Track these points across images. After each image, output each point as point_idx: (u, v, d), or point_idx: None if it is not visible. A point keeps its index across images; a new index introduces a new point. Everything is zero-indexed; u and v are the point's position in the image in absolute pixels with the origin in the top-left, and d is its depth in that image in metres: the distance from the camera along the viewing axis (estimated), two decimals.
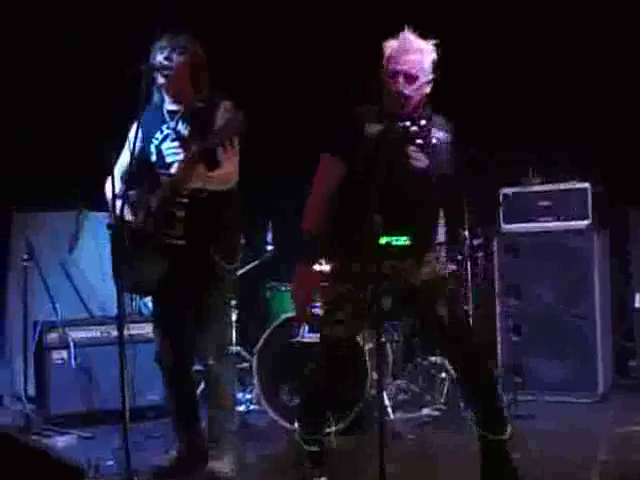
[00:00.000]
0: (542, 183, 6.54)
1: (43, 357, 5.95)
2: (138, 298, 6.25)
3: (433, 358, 6.04)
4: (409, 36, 4.07)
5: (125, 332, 3.91)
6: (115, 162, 4.45)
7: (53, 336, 5.96)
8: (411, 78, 4.02)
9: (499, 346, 6.56)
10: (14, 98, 6.57)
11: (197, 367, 4.75)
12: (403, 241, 4.04)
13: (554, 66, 6.51)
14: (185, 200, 4.29)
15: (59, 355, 5.92)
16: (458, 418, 5.57)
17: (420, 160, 3.90)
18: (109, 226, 4.13)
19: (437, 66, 4.05)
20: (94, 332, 6.05)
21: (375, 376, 5.22)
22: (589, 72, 6.44)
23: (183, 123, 4.48)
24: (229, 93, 4.51)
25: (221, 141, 4.16)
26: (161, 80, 4.45)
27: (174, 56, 4.40)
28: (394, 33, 4.09)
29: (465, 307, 4.06)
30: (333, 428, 4.41)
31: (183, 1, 6.69)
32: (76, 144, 6.68)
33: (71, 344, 5.92)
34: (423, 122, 3.93)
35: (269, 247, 6.39)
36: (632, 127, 6.41)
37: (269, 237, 6.39)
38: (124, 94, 4.24)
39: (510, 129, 6.61)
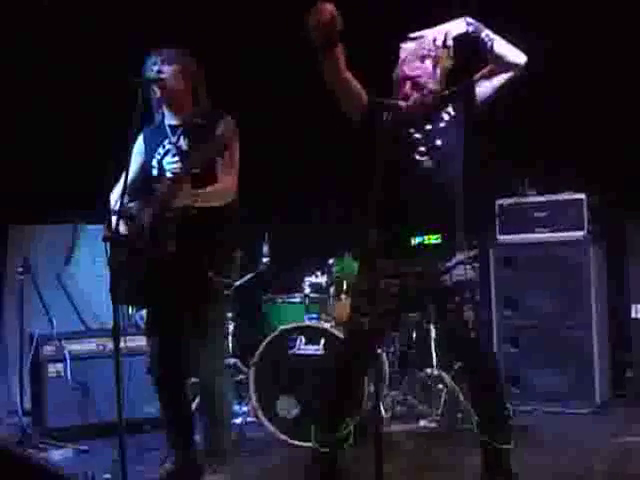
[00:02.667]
0: (538, 194, 6.54)
1: (39, 370, 5.93)
2: (134, 311, 6.25)
3: (430, 369, 6.03)
4: (424, 41, 4.09)
5: (121, 345, 3.89)
6: (119, 177, 4.45)
7: (49, 349, 5.94)
8: (419, 85, 4.07)
9: (496, 357, 6.55)
10: (9, 111, 6.57)
11: (193, 380, 4.74)
12: (435, 239, 4.08)
13: (551, 78, 6.51)
14: (174, 216, 4.26)
15: (55, 368, 5.90)
16: (455, 430, 5.57)
17: (424, 160, 4.05)
18: (105, 239, 4.13)
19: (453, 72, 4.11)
20: (90, 345, 6.04)
21: (372, 388, 5.21)
22: (586, 84, 6.45)
23: (185, 139, 4.52)
24: (227, 104, 4.53)
25: (216, 152, 4.14)
26: (158, 93, 4.48)
27: (165, 67, 4.44)
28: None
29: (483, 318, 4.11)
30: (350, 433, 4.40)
31: (181, 16, 6.72)
32: (72, 157, 6.69)
33: (67, 357, 5.90)
34: (428, 127, 3.99)
35: (265, 259, 6.38)
36: (629, 138, 6.41)
37: (265, 249, 6.38)
38: (120, 107, 4.26)
39: (506, 140, 6.62)
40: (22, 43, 6.61)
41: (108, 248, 4.00)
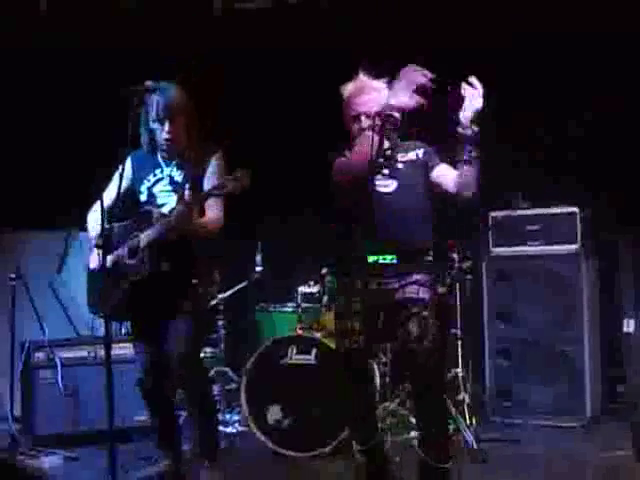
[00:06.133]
0: (531, 207, 6.55)
1: (30, 376, 5.93)
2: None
3: None
4: (363, 78, 4.27)
5: (112, 352, 3.91)
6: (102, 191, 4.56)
7: (40, 356, 5.94)
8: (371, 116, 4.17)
9: (487, 370, 6.56)
10: (1, 118, 6.57)
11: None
12: (391, 259, 4.15)
13: (544, 90, 6.53)
14: (173, 239, 4.49)
15: (46, 375, 5.90)
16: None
17: (387, 186, 4.16)
18: (97, 246, 4.16)
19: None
20: (81, 352, 6.03)
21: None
22: (582, 98, 6.46)
23: (177, 170, 4.71)
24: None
25: (217, 195, 4.43)
26: (164, 136, 4.66)
27: (172, 128, 4.63)
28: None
29: (435, 335, 4.12)
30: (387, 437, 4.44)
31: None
32: (64, 163, 6.69)
33: (58, 364, 5.90)
34: (388, 153, 4.17)
35: (258, 268, 6.38)
36: (623, 153, 6.42)
37: (258, 259, 6.39)
38: (112, 114, 4.28)
39: (500, 153, 6.63)
40: (14, 49, 6.61)
41: (101, 255, 4.03)
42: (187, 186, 4.57)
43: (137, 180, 4.79)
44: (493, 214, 6.62)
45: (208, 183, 4.58)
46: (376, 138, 4.02)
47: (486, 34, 6.51)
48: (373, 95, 4.21)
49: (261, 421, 5.61)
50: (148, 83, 4.33)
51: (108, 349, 3.88)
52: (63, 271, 6.69)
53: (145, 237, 4.53)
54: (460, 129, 4.09)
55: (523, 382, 6.41)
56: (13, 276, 5.92)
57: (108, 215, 4.57)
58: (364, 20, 6.55)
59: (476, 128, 4.09)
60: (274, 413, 5.59)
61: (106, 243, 4.06)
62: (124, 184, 4.64)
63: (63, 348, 6.00)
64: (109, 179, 4.73)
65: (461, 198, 4.19)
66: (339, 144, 4.33)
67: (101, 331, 3.97)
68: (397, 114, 4.07)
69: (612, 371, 6.57)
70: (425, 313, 4.12)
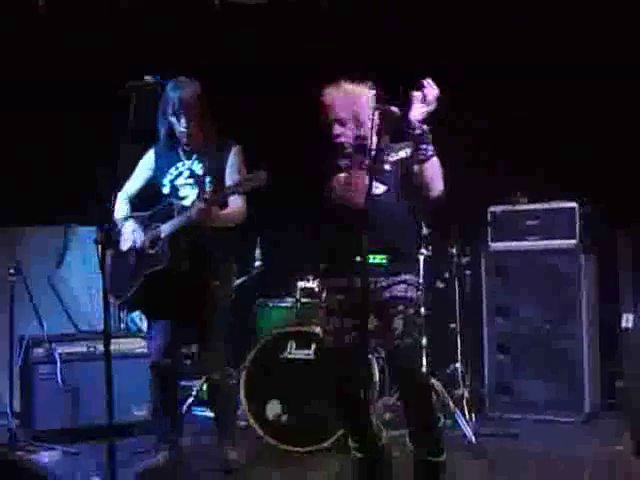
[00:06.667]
0: (530, 202, 6.55)
1: (29, 372, 5.93)
2: (125, 313, 6.24)
3: None
4: (343, 84, 4.27)
5: (112, 347, 3.91)
6: (119, 185, 4.84)
7: (39, 351, 5.93)
8: (353, 121, 4.22)
9: (486, 365, 6.56)
10: (0, 115, 6.56)
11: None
12: (380, 259, 4.17)
13: (543, 86, 6.53)
14: (195, 234, 4.76)
15: (45, 370, 5.90)
16: (443, 435, 5.57)
17: (377, 187, 4.13)
18: (97, 241, 4.16)
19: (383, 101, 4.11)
20: (80, 347, 6.02)
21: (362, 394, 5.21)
22: (580, 93, 6.45)
23: (199, 163, 4.94)
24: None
25: (235, 193, 4.71)
26: (180, 130, 4.89)
27: (191, 123, 4.86)
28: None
29: (416, 336, 4.19)
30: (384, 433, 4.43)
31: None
32: (63, 159, 6.68)
33: (57, 359, 5.90)
34: (386, 157, 4.15)
35: (257, 263, 6.38)
36: (621, 149, 6.42)
37: (257, 253, 6.39)
38: (111, 109, 4.29)
39: (499, 148, 6.63)
40: (14, 48, 6.62)
41: (100, 251, 4.04)
42: (208, 179, 4.83)
43: (159, 172, 5.01)
44: (492, 209, 6.62)
45: (230, 178, 4.82)
46: (375, 138, 4.03)
47: (486, 34, 6.53)
48: (351, 100, 4.22)
49: (260, 416, 5.62)
50: (147, 78, 4.34)
51: (107, 344, 3.88)
52: (62, 267, 6.69)
53: (166, 228, 4.73)
54: (409, 129, 4.09)
55: (522, 377, 6.41)
56: (12, 271, 5.90)
57: (130, 205, 5.01)
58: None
59: (426, 127, 4.08)
60: (273, 408, 5.59)
61: (107, 239, 4.08)
62: (146, 175, 5.03)
63: (62, 343, 6.00)
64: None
65: (427, 197, 4.20)
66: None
67: (101, 326, 3.96)
68: (397, 109, 4.06)
69: (610, 366, 6.57)
70: (410, 311, 4.15)
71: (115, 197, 4.26)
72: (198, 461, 5.29)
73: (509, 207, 6.59)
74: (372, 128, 4.02)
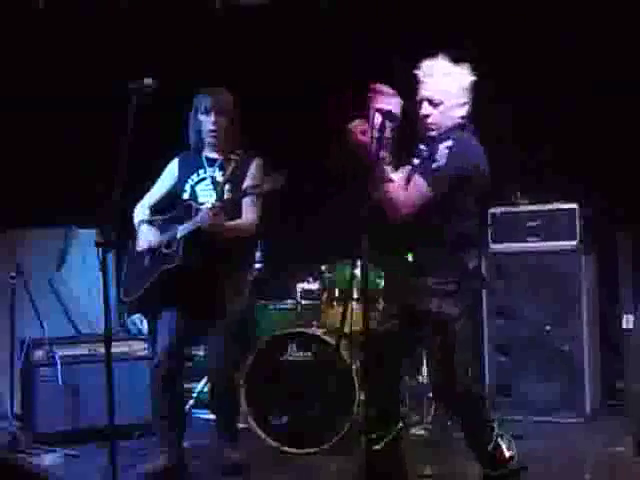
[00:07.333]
0: (530, 203, 6.55)
1: (30, 374, 5.93)
2: (126, 316, 6.24)
3: (421, 378, 6.03)
4: (437, 61, 4.16)
5: (112, 350, 3.92)
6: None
7: (40, 353, 5.93)
8: (433, 103, 4.14)
9: (487, 366, 6.56)
10: (1, 116, 6.57)
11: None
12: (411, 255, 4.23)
13: (544, 87, 6.53)
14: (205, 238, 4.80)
15: (46, 372, 5.89)
16: (446, 438, 5.57)
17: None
18: (97, 244, 4.16)
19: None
20: (81, 350, 6.03)
21: (362, 396, 5.22)
22: (581, 95, 6.46)
23: (220, 171, 5.05)
24: None
25: (252, 195, 4.83)
26: (209, 138, 5.05)
27: (220, 119, 5.00)
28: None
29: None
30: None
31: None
32: (64, 161, 6.69)
33: (58, 361, 5.89)
34: (422, 147, 4.16)
35: (257, 265, 6.38)
36: (621, 150, 6.42)
37: (258, 255, 6.39)
38: (113, 110, 4.30)
39: (499, 149, 6.62)
40: (15, 44, 6.62)
41: (100, 253, 4.04)
42: (227, 188, 4.92)
43: (181, 180, 5.13)
44: (492, 210, 6.61)
45: (247, 184, 4.92)
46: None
47: (486, 34, 6.54)
48: (441, 81, 4.15)
49: (261, 418, 5.62)
50: (147, 81, 4.34)
51: (108, 346, 3.89)
52: (63, 269, 6.69)
53: (182, 229, 4.81)
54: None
55: (523, 378, 6.41)
56: (13, 274, 5.92)
57: (150, 211, 5.14)
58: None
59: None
60: (274, 410, 5.60)
61: (107, 241, 4.07)
62: (169, 184, 5.17)
63: (63, 346, 6.00)
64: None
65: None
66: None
67: (101, 328, 3.96)
68: (397, 112, 4.03)
69: (611, 367, 6.58)
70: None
71: (122, 197, 4.24)
72: (199, 463, 5.28)
73: (509, 208, 6.59)
74: (373, 129, 3.99)
